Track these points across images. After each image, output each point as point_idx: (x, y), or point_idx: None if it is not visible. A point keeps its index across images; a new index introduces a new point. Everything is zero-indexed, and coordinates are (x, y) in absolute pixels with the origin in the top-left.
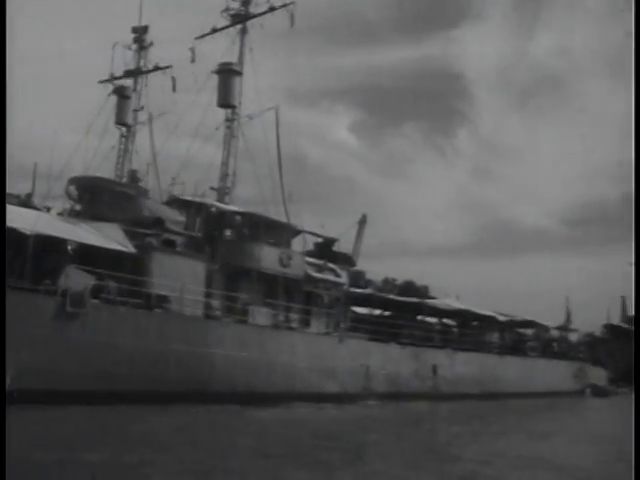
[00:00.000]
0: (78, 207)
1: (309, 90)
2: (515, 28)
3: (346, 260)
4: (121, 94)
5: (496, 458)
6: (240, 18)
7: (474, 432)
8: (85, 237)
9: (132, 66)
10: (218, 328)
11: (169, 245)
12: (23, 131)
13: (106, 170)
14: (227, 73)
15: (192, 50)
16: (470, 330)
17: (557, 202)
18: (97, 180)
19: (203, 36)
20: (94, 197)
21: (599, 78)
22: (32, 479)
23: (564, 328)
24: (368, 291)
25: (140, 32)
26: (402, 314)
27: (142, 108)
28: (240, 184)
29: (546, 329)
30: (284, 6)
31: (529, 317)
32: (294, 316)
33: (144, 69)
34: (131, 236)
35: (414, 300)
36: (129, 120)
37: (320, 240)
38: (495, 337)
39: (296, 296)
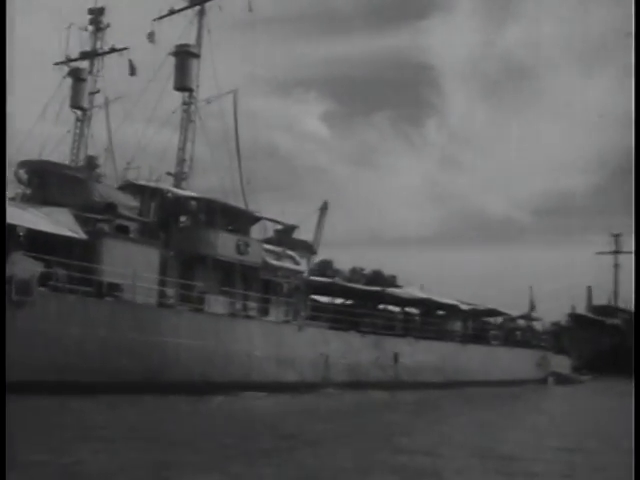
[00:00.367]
0: (28, 192)
1: (281, 80)
2: (484, 19)
3: (306, 248)
4: (77, 77)
5: (441, 448)
6: None
7: (413, 422)
8: (33, 222)
9: (88, 48)
10: (172, 317)
11: (121, 231)
12: None
13: (61, 155)
14: (184, 55)
15: (151, 32)
16: (433, 319)
17: (525, 192)
18: (46, 164)
19: (161, 17)
20: (43, 181)
21: (567, 70)
22: None
23: (528, 317)
24: (329, 280)
25: (96, 13)
26: (364, 303)
27: (98, 91)
28: (201, 174)
29: (510, 318)
30: None
31: (492, 306)
32: (252, 304)
33: (100, 51)
34: (82, 221)
35: (376, 289)
36: (85, 104)
37: (280, 227)
38: (458, 326)
39: (254, 284)
